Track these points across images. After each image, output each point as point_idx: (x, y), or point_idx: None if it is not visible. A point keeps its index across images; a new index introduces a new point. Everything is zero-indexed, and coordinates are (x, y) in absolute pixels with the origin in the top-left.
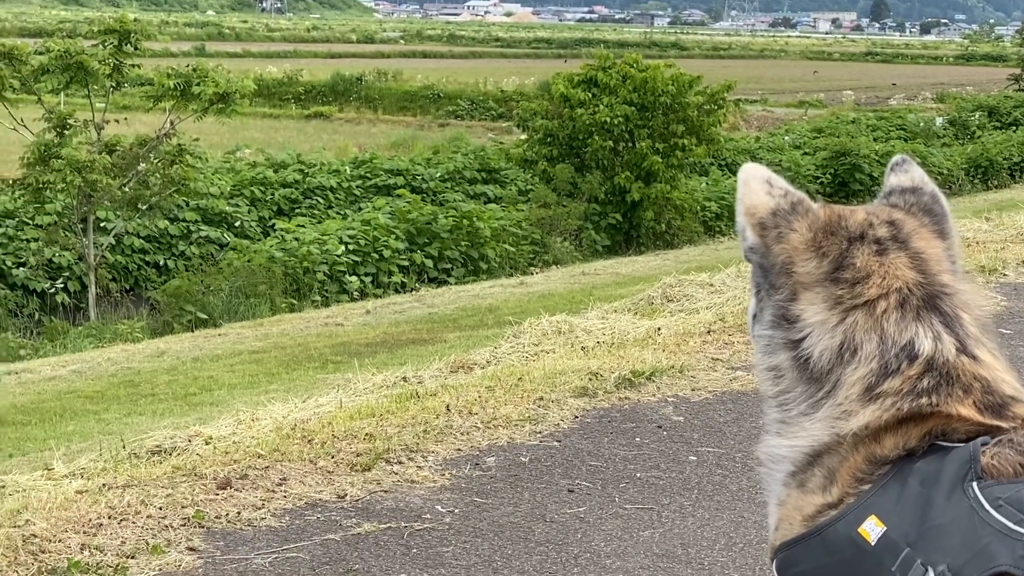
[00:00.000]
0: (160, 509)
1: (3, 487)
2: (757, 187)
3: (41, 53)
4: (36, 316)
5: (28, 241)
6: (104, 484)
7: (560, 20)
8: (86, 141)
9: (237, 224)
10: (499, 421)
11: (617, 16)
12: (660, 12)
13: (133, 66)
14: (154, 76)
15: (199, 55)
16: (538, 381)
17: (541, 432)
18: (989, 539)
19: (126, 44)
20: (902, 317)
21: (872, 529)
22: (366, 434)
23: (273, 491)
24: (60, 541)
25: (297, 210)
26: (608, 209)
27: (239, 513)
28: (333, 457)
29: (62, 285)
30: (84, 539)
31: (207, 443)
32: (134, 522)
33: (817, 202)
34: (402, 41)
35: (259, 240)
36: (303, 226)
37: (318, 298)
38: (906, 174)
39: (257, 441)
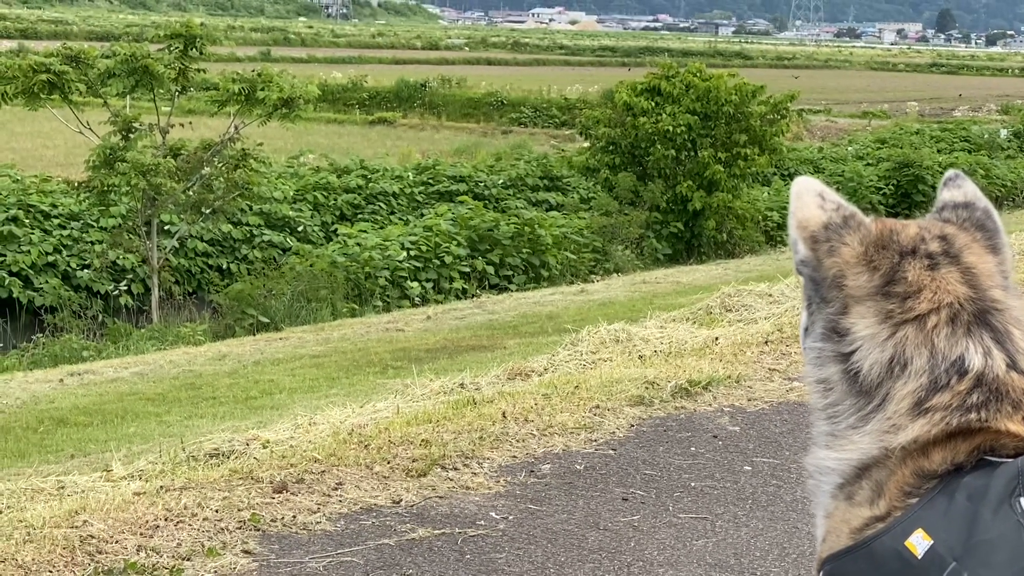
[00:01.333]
0: (216, 512)
1: (63, 488)
2: (809, 200)
3: (107, 57)
4: (99, 318)
5: (92, 243)
6: (161, 486)
7: (624, 28)
8: (151, 145)
9: (300, 229)
10: (555, 429)
11: (681, 25)
12: (724, 21)
13: (198, 71)
14: (219, 81)
15: (264, 60)
16: (594, 389)
17: (596, 440)
18: None
19: (192, 49)
20: (952, 332)
21: (919, 543)
22: (422, 440)
23: (329, 495)
24: (117, 542)
25: (360, 215)
26: (670, 218)
27: (295, 517)
28: (389, 462)
29: (126, 287)
30: (141, 540)
31: (264, 447)
32: (190, 524)
33: (871, 215)
34: (467, 48)
35: (321, 245)
36: (365, 231)
37: (379, 303)
38: (959, 189)
39: (314, 446)
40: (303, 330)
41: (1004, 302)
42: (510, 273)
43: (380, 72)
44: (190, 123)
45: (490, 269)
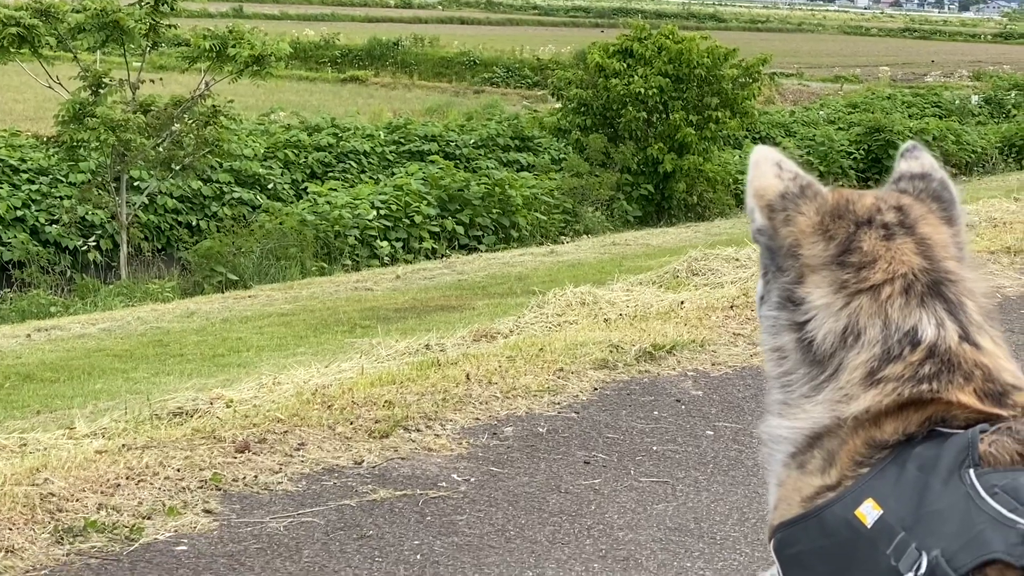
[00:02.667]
0: (178, 471)
1: (24, 445)
2: (767, 169)
3: (78, 11)
4: (68, 274)
5: (61, 199)
6: (124, 445)
7: None
8: (121, 100)
9: (270, 186)
10: (518, 391)
11: None
12: None
13: (169, 26)
14: (190, 37)
15: (236, 16)
16: (559, 352)
17: (560, 403)
18: (983, 526)
19: (162, 4)
20: (906, 303)
21: (869, 512)
22: (386, 401)
23: (291, 456)
24: (77, 500)
25: (330, 174)
26: (640, 180)
27: (256, 477)
28: (352, 423)
29: (94, 243)
30: (101, 499)
31: (228, 406)
32: (151, 483)
33: (841, 180)
34: (440, 7)
35: (291, 203)
36: (335, 190)
37: (348, 262)
38: (916, 160)
39: (277, 406)
40: (272, 288)
41: (958, 273)
42: (480, 233)
43: (353, 30)
44: (160, 79)
45: (460, 229)
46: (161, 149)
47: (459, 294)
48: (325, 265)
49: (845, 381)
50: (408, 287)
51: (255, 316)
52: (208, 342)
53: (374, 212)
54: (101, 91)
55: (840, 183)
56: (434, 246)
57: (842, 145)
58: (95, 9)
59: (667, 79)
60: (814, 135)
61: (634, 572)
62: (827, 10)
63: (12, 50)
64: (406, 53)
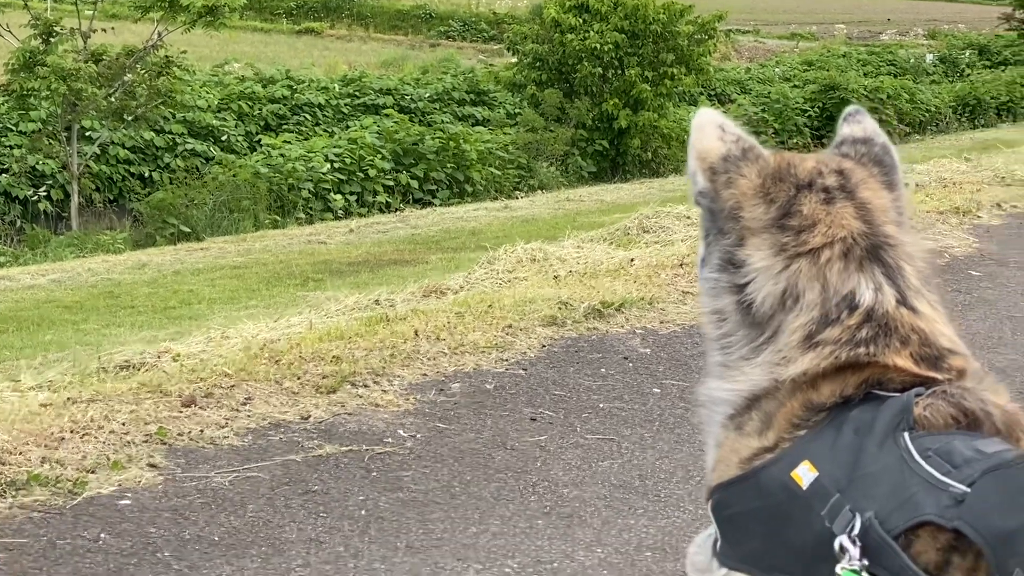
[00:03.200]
0: (123, 425)
1: None
2: (710, 132)
3: None
4: (18, 223)
5: (11, 148)
6: (69, 398)
7: None
8: (72, 49)
9: (223, 138)
10: (466, 348)
11: None
12: None
13: None
14: None
15: None
16: (507, 309)
17: (508, 360)
18: (916, 489)
19: None
20: (845, 267)
21: (805, 474)
22: (333, 356)
23: (237, 410)
24: (20, 454)
25: (284, 126)
26: (595, 136)
27: (202, 431)
28: (299, 378)
29: (45, 193)
30: (45, 452)
31: (175, 360)
32: (96, 437)
33: (796, 137)
34: None
35: (245, 155)
36: (289, 142)
37: (302, 215)
38: (858, 124)
39: (224, 360)
40: (224, 240)
41: (897, 237)
42: (434, 188)
43: None
44: (113, 28)
45: (414, 183)
46: (113, 99)
47: (412, 248)
48: (278, 218)
49: (784, 344)
50: (361, 241)
51: (207, 268)
52: (159, 294)
53: (328, 165)
54: (52, 40)
55: (795, 141)
56: (388, 200)
57: (797, 103)
58: None
59: (623, 35)
60: (769, 92)
61: (578, 529)
62: None
63: None
64: (362, 5)
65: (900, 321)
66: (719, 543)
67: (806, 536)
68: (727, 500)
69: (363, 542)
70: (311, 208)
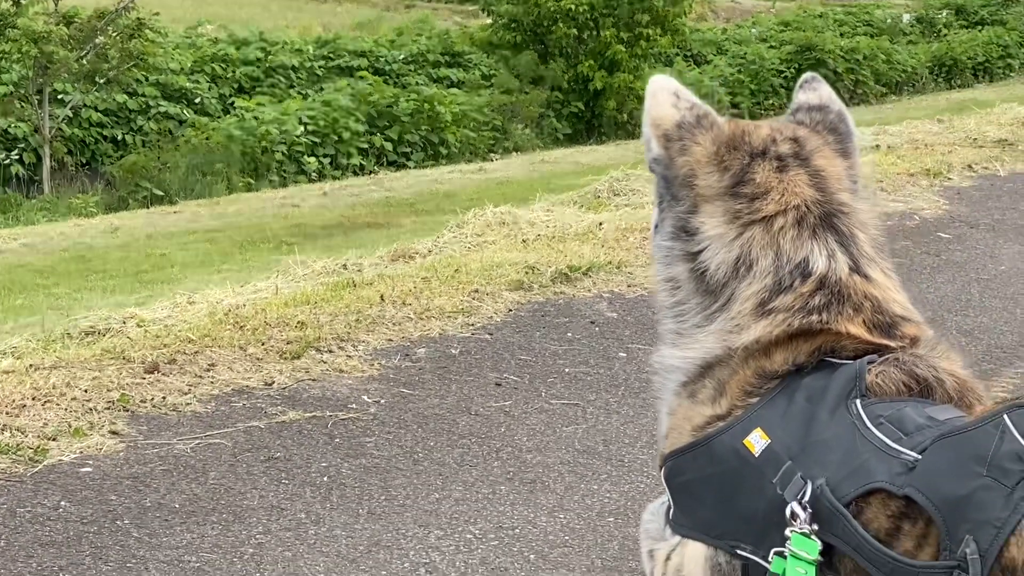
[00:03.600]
0: (85, 392)
1: None
2: (664, 99)
3: None
4: None
5: None
6: (31, 365)
7: None
8: (43, 12)
9: (197, 101)
10: (432, 312)
11: None
12: None
13: None
14: None
15: None
16: (474, 273)
17: (474, 325)
18: (868, 456)
19: None
20: (798, 235)
21: (757, 441)
22: (298, 322)
23: (200, 376)
24: None
25: (258, 89)
26: (571, 97)
27: (164, 398)
28: (263, 344)
29: (17, 157)
30: (6, 420)
31: (139, 326)
32: (58, 404)
33: (771, 98)
34: None
35: (219, 118)
36: (263, 105)
37: (276, 178)
38: (814, 92)
39: (189, 326)
40: (198, 204)
41: (851, 205)
42: (408, 150)
43: None
44: None
45: (388, 146)
46: (85, 62)
47: (387, 211)
48: (252, 181)
49: (736, 312)
50: (335, 204)
51: (180, 232)
52: (131, 258)
53: (301, 128)
54: (22, 2)
55: (771, 102)
56: (362, 162)
57: (773, 64)
58: None
59: None
60: (745, 54)
61: (540, 495)
62: None
63: None
64: None
65: (853, 288)
66: (672, 510)
67: (758, 503)
68: (680, 467)
69: (324, 508)
70: (285, 171)
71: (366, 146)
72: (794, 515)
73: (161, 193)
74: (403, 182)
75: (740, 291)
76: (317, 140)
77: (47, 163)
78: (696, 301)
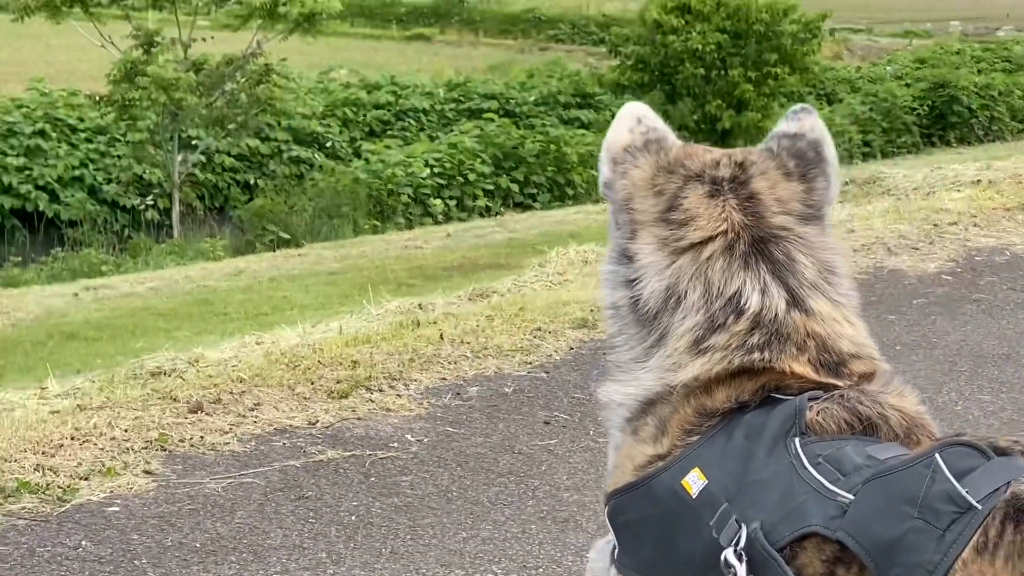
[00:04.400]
0: (125, 432)
1: None
2: (624, 124)
3: None
4: (125, 232)
5: (119, 158)
6: (78, 405)
7: None
8: (173, 59)
9: (328, 145)
10: (490, 351)
11: None
12: None
13: None
14: None
15: None
16: (538, 311)
17: (531, 363)
18: (804, 497)
19: None
20: (728, 265)
21: (695, 482)
22: (352, 361)
23: (244, 416)
24: (15, 461)
25: (389, 132)
26: (699, 137)
27: (203, 438)
28: (313, 383)
29: (152, 202)
30: (41, 460)
31: (193, 365)
32: (96, 444)
33: (893, 139)
34: None
35: (350, 161)
36: (389, 148)
37: (402, 220)
38: (796, 121)
39: (242, 365)
40: (323, 246)
41: (792, 230)
42: (535, 191)
43: None
44: (212, 37)
45: (515, 187)
46: (214, 108)
47: (509, 252)
48: (378, 223)
49: (672, 348)
50: (458, 245)
51: (303, 274)
52: (253, 301)
53: (428, 170)
54: (153, 50)
55: (903, 139)
56: (488, 204)
57: (905, 101)
58: None
59: (725, 35)
60: (877, 91)
61: (571, 534)
62: None
63: (64, 8)
64: (471, 10)
65: (793, 327)
66: (616, 550)
67: (696, 545)
68: (622, 506)
69: (347, 548)
70: (411, 213)
71: (492, 188)
72: (727, 564)
73: (288, 236)
74: (527, 223)
75: (674, 326)
76: (443, 182)
77: (176, 208)
78: (633, 331)
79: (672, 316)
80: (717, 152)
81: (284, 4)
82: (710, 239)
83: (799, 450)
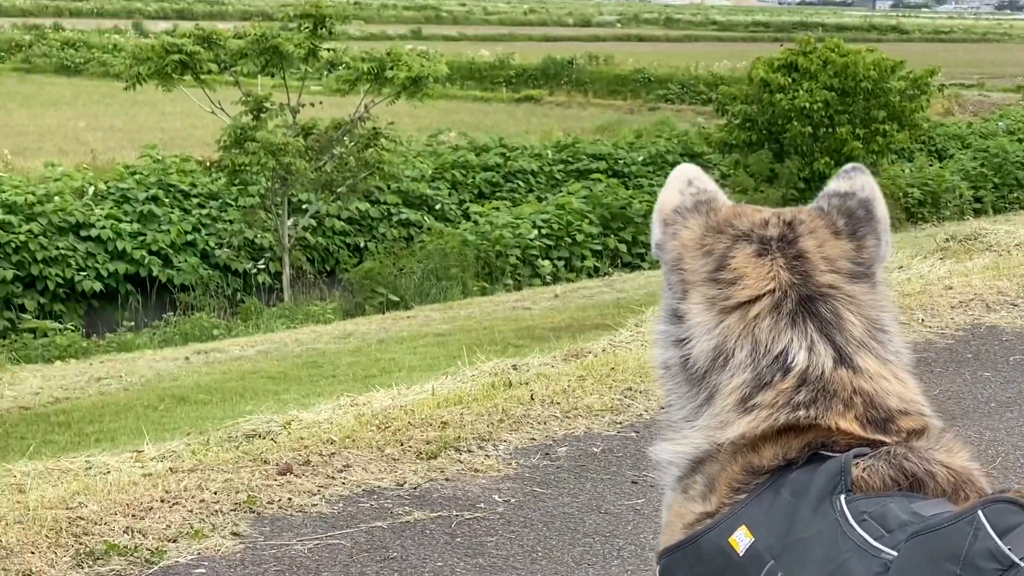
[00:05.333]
0: (215, 494)
1: (89, 468)
2: (675, 186)
3: (239, 37)
4: (237, 296)
5: (231, 223)
6: (170, 468)
7: (780, 3)
8: (282, 124)
9: (437, 207)
10: (580, 411)
11: None
12: None
13: (329, 50)
14: (349, 60)
15: (415, 38)
16: (630, 371)
17: (621, 423)
18: (848, 555)
19: (321, 28)
20: (775, 323)
21: (741, 539)
22: (442, 422)
23: (333, 477)
24: (105, 524)
25: (498, 193)
26: (807, 195)
27: (291, 499)
28: (402, 444)
29: (263, 266)
30: (130, 522)
31: (286, 427)
32: (185, 506)
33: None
34: (619, 24)
35: (459, 223)
36: (498, 209)
37: (510, 281)
38: (847, 180)
39: (333, 427)
40: (431, 308)
41: (841, 288)
42: (643, 251)
43: (528, 49)
44: (321, 102)
45: (623, 247)
46: (323, 171)
47: (616, 312)
48: (487, 285)
49: (720, 407)
50: (566, 306)
51: (411, 336)
52: (361, 363)
53: (535, 231)
54: (262, 115)
55: (1015, 195)
56: (596, 264)
57: (1017, 156)
58: (255, 35)
59: (833, 93)
60: (988, 146)
61: None
62: (1014, 19)
63: (175, 76)
64: (580, 72)
65: (840, 384)
66: None
67: None
68: (672, 565)
69: None
70: (519, 274)
71: (600, 248)
72: None
73: (396, 299)
74: (636, 283)
75: (722, 385)
76: (551, 243)
77: (287, 272)
78: (684, 391)
79: (720, 375)
80: (767, 211)
81: (391, 68)
82: (758, 298)
83: (844, 507)
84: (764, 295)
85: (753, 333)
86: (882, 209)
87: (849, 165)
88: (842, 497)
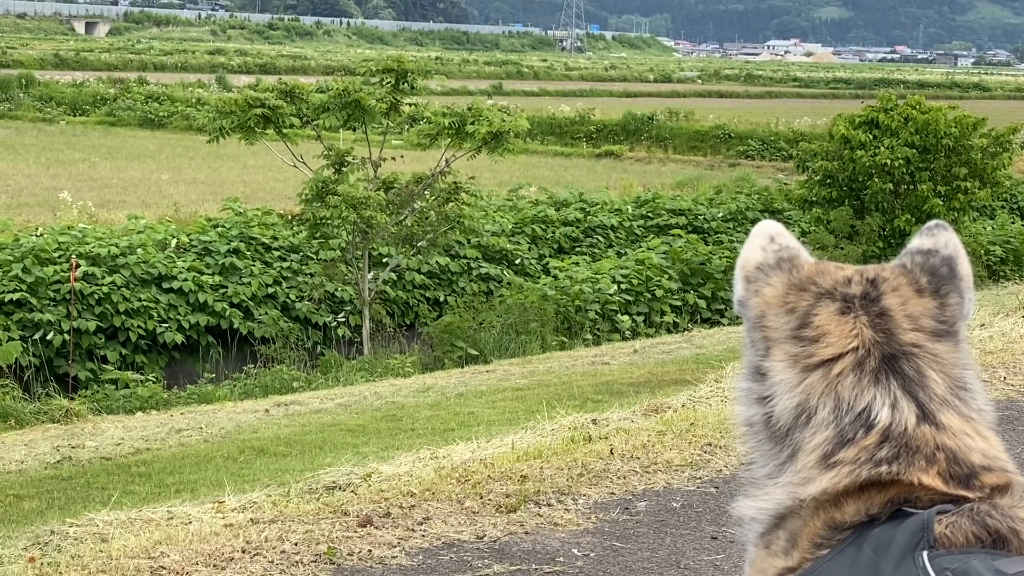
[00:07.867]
0: (295, 545)
1: (171, 518)
2: (757, 242)
3: (321, 91)
4: (317, 348)
5: (311, 275)
6: (252, 519)
7: (861, 60)
8: (364, 178)
9: (517, 261)
10: (659, 466)
11: (919, 56)
12: (964, 52)
13: (411, 104)
14: (430, 115)
15: (497, 93)
16: (710, 427)
17: (701, 478)
18: None
19: (403, 83)
20: (858, 381)
21: None
22: (522, 475)
23: (413, 530)
24: (187, 573)
25: (577, 248)
26: (887, 252)
27: (371, 551)
28: (482, 497)
29: (344, 319)
30: (212, 572)
31: (366, 480)
32: (266, 556)
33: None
34: (699, 80)
35: (538, 278)
36: (577, 264)
37: (589, 336)
38: (931, 237)
39: (413, 479)
40: (510, 362)
41: (924, 346)
42: (722, 307)
43: (610, 105)
44: (402, 156)
45: (702, 303)
46: (404, 225)
47: (695, 368)
48: (565, 339)
49: (802, 464)
50: (645, 361)
51: (490, 391)
52: (440, 416)
53: (615, 287)
54: (344, 169)
55: None
56: (675, 320)
57: None
58: (337, 89)
59: (914, 150)
60: None
61: None
62: None
63: (258, 130)
64: (660, 127)
65: (923, 440)
66: None
67: None
68: None
69: None
70: (598, 329)
71: (679, 303)
72: None
73: (476, 352)
74: (715, 339)
75: (804, 442)
76: (630, 298)
77: (367, 325)
78: (767, 448)
79: (803, 432)
80: (849, 269)
81: (472, 123)
82: (840, 356)
83: (927, 563)
84: (847, 353)
85: (836, 391)
86: (965, 267)
87: (932, 222)
88: (924, 553)
